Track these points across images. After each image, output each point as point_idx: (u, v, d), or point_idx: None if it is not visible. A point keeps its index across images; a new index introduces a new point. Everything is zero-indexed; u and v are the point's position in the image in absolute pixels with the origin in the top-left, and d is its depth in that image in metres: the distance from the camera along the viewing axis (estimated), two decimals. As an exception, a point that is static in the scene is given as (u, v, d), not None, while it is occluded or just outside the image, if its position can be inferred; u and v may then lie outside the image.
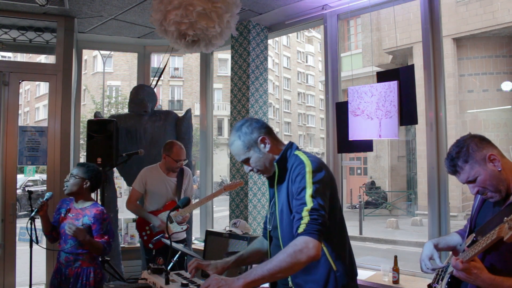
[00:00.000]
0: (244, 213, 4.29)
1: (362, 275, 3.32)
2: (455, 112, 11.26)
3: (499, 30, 10.73)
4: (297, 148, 1.86)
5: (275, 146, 1.86)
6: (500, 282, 1.47)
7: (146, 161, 4.18)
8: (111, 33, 4.82)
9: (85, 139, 4.12)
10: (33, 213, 2.85)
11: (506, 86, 11.05)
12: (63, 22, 4.28)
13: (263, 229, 2.12)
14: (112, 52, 23.39)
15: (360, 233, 10.64)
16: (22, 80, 4.31)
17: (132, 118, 4.51)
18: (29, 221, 2.93)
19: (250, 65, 4.37)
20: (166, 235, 2.81)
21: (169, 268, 2.66)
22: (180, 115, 4.74)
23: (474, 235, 1.61)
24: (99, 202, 3.84)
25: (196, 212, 4.05)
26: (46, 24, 4.40)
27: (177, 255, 2.98)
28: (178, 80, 30.24)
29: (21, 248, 3.93)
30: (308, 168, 1.70)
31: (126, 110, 5.25)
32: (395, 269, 3.13)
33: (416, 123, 3.17)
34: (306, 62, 41.42)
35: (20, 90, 4.47)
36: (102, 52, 22.01)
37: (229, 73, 5.80)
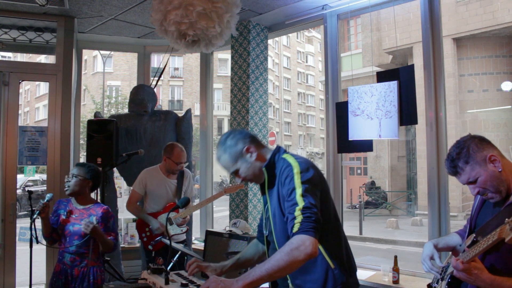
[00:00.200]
0: (244, 213, 4.29)
1: (362, 275, 3.32)
2: (455, 112, 11.25)
3: (499, 30, 10.73)
4: (285, 152, 1.88)
5: (261, 153, 1.89)
6: (500, 282, 1.47)
7: (146, 161, 4.18)
8: (111, 33, 4.82)
9: (85, 139, 4.11)
10: (35, 215, 2.85)
11: (506, 86, 11.05)
12: (63, 22, 4.28)
13: (257, 233, 2.14)
14: (112, 52, 23.39)
15: (360, 233, 10.64)
16: (22, 80, 4.31)
17: (132, 118, 4.51)
18: (30, 221, 2.93)
19: (250, 65, 4.37)
20: (166, 237, 2.81)
21: (169, 268, 2.66)
22: (180, 115, 4.74)
23: (474, 235, 1.60)
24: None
25: (196, 212, 4.05)
26: (46, 24, 4.40)
27: (177, 255, 2.98)
28: (178, 80, 30.25)
29: (21, 248, 3.93)
30: (296, 170, 1.72)
31: (126, 110, 5.25)
32: (395, 269, 3.12)
33: (416, 123, 3.17)
34: (306, 62, 41.42)
35: (20, 90, 4.47)
36: (102, 52, 22.02)
37: (229, 73, 5.80)
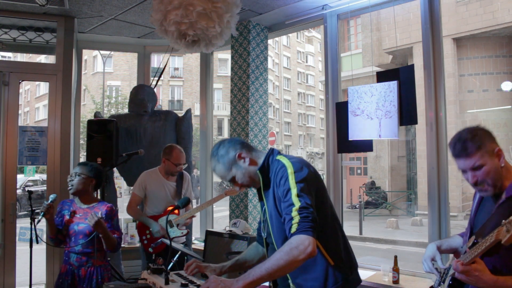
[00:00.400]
0: (244, 213, 4.29)
1: (362, 275, 3.29)
2: (455, 112, 11.26)
3: (499, 30, 10.73)
4: (279, 153, 1.89)
5: (254, 157, 1.91)
6: (503, 281, 1.46)
7: (146, 161, 4.18)
8: (111, 33, 4.82)
9: (85, 139, 4.11)
10: (40, 216, 2.84)
11: (506, 86, 11.05)
12: (63, 22, 4.28)
13: (257, 236, 2.15)
14: (112, 52, 23.39)
15: (360, 233, 10.64)
16: (22, 80, 4.31)
17: (132, 118, 4.51)
18: (30, 221, 2.93)
19: (250, 65, 4.37)
20: (167, 237, 2.81)
21: (169, 268, 2.66)
22: (180, 115, 4.74)
23: (475, 237, 1.61)
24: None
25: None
26: (46, 24, 4.40)
27: (177, 255, 2.98)
28: (178, 80, 30.25)
29: (21, 248, 3.93)
30: (290, 170, 1.73)
31: (126, 110, 5.25)
32: (395, 269, 3.12)
33: (416, 123, 3.17)
34: (306, 62, 41.43)
35: (20, 90, 4.47)
36: (102, 52, 22.03)
37: (229, 73, 5.80)
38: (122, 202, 6.50)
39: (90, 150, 4.01)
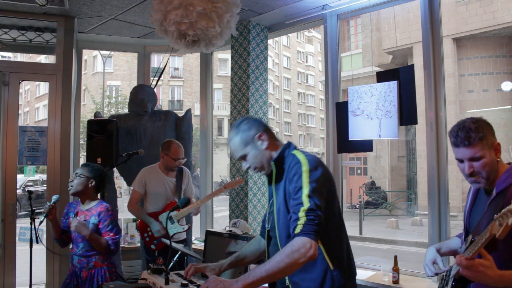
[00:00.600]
0: (244, 213, 4.29)
1: (362, 275, 3.32)
2: (455, 112, 11.25)
3: (499, 30, 10.73)
4: (295, 148, 1.87)
5: (273, 144, 1.88)
6: (509, 276, 1.43)
7: (146, 161, 4.18)
8: (111, 33, 4.82)
9: (85, 139, 4.11)
10: (42, 218, 2.85)
11: (506, 86, 11.05)
12: (63, 22, 4.28)
13: (261, 228, 2.13)
14: (112, 52, 23.39)
15: (360, 233, 10.64)
16: (22, 80, 4.31)
17: (132, 118, 4.51)
18: (30, 221, 2.94)
19: (250, 65, 4.37)
20: (168, 236, 2.81)
21: (169, 268, 2.66)
22: (180, 115, 4.74)
23: (472, 236, 1.61)
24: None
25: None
26: (46, 24, 4.40)
27: (177, 255, 2.98)
28: (178, 80, 30.25)
29: (21, 248, 3.93)
30: (305, 167, 1.70)
31: (126, 110, 5.25)
32: (395, 269, 3.12)
33: (416, 123, 3.17)
34: (306, 62, 41.43)
35: (20, 90, 4.47)
36: (102, 52, 22.03)
37: (229, 73, 5.80)
38: (122, 202, 6.50)
39: (90, 150, 4.01)
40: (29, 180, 12.77)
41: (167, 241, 2.72)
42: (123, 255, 4.48)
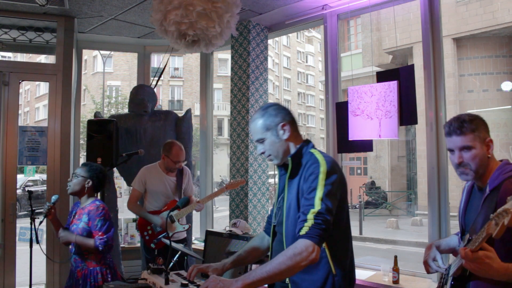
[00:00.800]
0: (244, 213, 4.29)
1: (362, 275, 3.32)
2: (455, 112, 11.23)
3: (499, 30, 10.73)
4: (313, 146, 1.84)
5: (294, 136, 1.84)
6: None
7: (146, 161, 4.18)
8: (111, 33, 4.82)
9: (85, 139, 4.11)
10: (42, 218, 2.85)
11: (506, 86, 11.05)
12: (63, 22, 4.28)
13: (266, 224, 2.10)
14: (112, 52, 23.39)
15: (360, 233, 10.64)
16: (22, 80, 4.31)
17: (132, 118, 4.51)
18: (30, 221, 2.94)
19: (250, 65, 4.37)
20: (167, 235, 2.81)
21: (169, 268, 2.66)
22: (180, 115, 4.74)
23: (469, 235, 1.61)
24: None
25: (196, 212, 4.05)
26: (46, 24, 4.40)
27: (177, 255, 2.98)
28: (178, 80, 30.24)
29: (21, 248, 3.93)
30: (323, 168, 1.68)
31: (126, 110, 5.25)
32: (395, 269, 3.12)
33: (416, 123, 3.17)
34: (306, 62, 41.42)
35: (20, 90, 4.47)
36: (102, 52, 22.02)
37: (229, 73, 5.80)
38: (122, 202, 6.49)
39: (90, 150, 4.01)
40: (29, 180, 12.78)
41: (167, 241, 2.72)
42: (123, 255, 4.48)
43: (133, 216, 4.92)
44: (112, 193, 4.41)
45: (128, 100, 4.69)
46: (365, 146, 3.47)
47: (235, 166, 4.43)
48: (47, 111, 4.31)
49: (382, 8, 3.70)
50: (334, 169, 1.70)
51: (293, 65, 39.22)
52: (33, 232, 2.96)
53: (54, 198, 2.95)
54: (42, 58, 14.99)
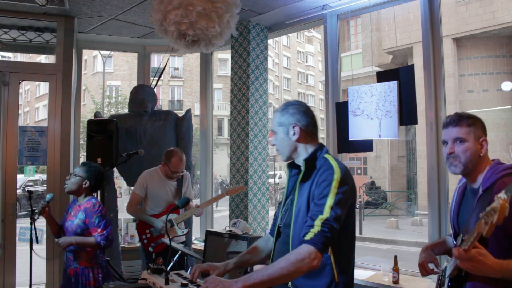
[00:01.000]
0: (244, 213, 4.29)
1: (362, 275, 3.32)
2: (455, 112, 11.23)
3: (499, 30, 10.73)
4: (327, 151, 1.84)
5: (306, 140, 1.84)
6: (508, 264, 1.43)
7: (146, 161, 4.18)
8: (111, 33, 4.82)
9: (85, 139, 4.11)
10: (36, 216, 2.86)
11: (506, 86, 11.05)
12: (63, 22, 4.28)
13: (271, 226, 2.08)
14: (112, 52, 23.39)
15: (360, 233, 10.64)
16: (22, 80, 4.31)
17: (132, 118, 4.51)
18: (30, 221, 2.95)
19: (250, 65, 4.37)
20: (166, 237, 2.81)
21: (169, 268, 2.66)
22: (180, 115, 4.74)
23: (462, 235, 1.61)
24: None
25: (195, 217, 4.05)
26: (46, 24, 4.40)
27: (177, 255, 2.98)
28: (178, 80, 30.24)
29: (21, 248, 3.93)
30: (336, 176, 1.68)
31: (126, 110, 5.25)
32: (395, 269, 3.12)
33: (416, 123, 3.17)
34: (306, 62, 41.42)
35: (20, 90, 4.47)
36: (102, 52, 22.02)
37: (229, 73, 5.80)
38: (122, 202, 6.49)
39: (90, 150, 4.01)
40: (29, 180, 12.78)
41: (167, 241, 2.72)
42: (123, 255, 4.48)
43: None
44: (112, 193, 4.41)
45: (128, 100, 4.69)
46: (365, 146, 3.47)
47: (235, 166, 4.43)
48: (47, 111, 4.31)
49: (382, 8, 3.70)
50: (347, 178, 1.71)
51: (293, 65, 39.23)
52: (33, 232, 2.97)
53: (48, 196, 2.97)
54: (42, 58, 15.00)
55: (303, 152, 1.84)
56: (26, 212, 10.70)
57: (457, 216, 1.79)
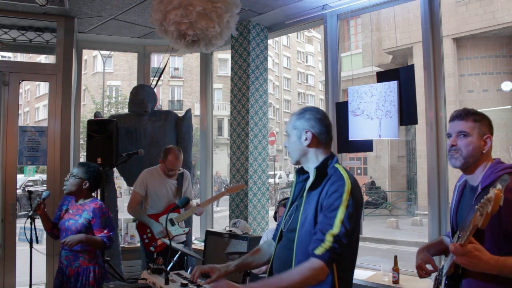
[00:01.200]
0: (244, 213, 4.29)
1: (362, 275, 3.32)
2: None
3: (499, 30, 10.72)
4: (337, 161, 1.84)
5: (317, 147, 1.83)
6: (504, 260, 1.43)
7: (146, 161, 4.18)
8: (111, 33, 4.82)
9: (85, 139, 4.12)
10: (31, 213, 2.87)
11: (506, 86, 11.05)
12: (63, 22, 4.28)
13: (275, 231, 2.07)
14: (112, 52, 23.39)
15: (360, 233, 10.59)
16: (22, 80, 4.31)
17: (132, 118, 4.51)
18: (30, 221, 2.96)
19: (250, 65, 4.37)
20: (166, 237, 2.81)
21: (169, 268, 2.66)
22: (180, 115, 4.74)
23: (459, 232, 1.62)
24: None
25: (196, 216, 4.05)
26: (46, 24, 4.40)
27: (177, 255, 2.98)
28: (178, 80, 30.24)
29: (21, 248, 3.93)
30: (347, 187, 1.68)
31: (126, 110, 5.25)
32: (395, 269, 3.12)
33: (416, 123, 3.17)
34: (306, 62, 41.42)
35: (20, 90, 4.47)
36: (102, 52, 22.01)
37: (229, 73, 5.80)
38: (122, 202, 6.50)
39: (90, 150, 4.01)
40: (29, 180, 12.77)
41: (167, 241, 2.72)
42: (123, 255, 4.48)
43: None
44: (112, 193, 4.41)
45: (128, 100, 4.69)
46: (365, 146, 3.47)
47: (235, 166, 4.43)
48: (47, 111, 4.31)
49: (382, 8, 3.70)
50: (356, 189, 1.71)
51: (293, 65, 39.23)
52: (33, 232, 2.97)
53: (45, 194, 2.99)
54: (42, 58, 14.99)
55: (313, 158, 1.84)
56: (26, 212, 10.69)
57: (455, 214, 1.79)
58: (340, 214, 1.64)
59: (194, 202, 4.04)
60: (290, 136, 1.87)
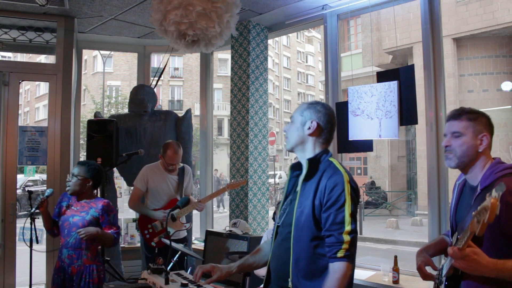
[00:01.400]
0: (244, 213, 4.29)
1: (362, 275, 3.32)
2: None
3: (499, 30, 10.72)
4: (331, 156, 1.84)
5: (317, 139, 1.84)
6: (502, 264, 1.42)
7: (146, 161, 4.18)
8: (111, 33, 4.82)
9: (85, 139, 4.12)
10: (33, 209, 2.87)
11: (506, 86, 11.05)
12: (63, 22, 4.28)
13: (273, 229, 2.06)
14: (112, 52, 23.39)
15: (360, 233, 10.64)
16: (22, 80, 4.31)
17: (132, 118, 4.51)
18: (30, 220, 2.96)
19: (250, 65, 4.37)
20: (168, 234, 2.81)
21: (169, 268, 2.66)
22: (180, 115, 4.74)
23: (457, 233, 1.61)
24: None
25: (196, 212, 4.05)
26: (46, 24, 4.40)
27: (177, 255, 2.98)
28: (178, 80, 30.24)
29: (21, 248, 3.93)
30: (346, 178, 1.70)
31: (126, 110, 5.25)
32: (395, 269, 3.12)
33: (416, 123, 3.17)
34: (306, 62, 41.42)
35: (20, 90, 4.47)
36: (102, 52, 22.02)
37: (229, 73, 5.80)
38: (122, 202, 6.49)
39: (90, 150, 4.01)
40: (29, 180, 12.76)
41: (167, 241, 2.72)
42: (123, 255, 4.48)
43: (133, 216, 4.93)
44: (112, 193, 4.41)
45: (128, 100, 4.69)
46: (365, 146, 3.47)
47: (235, 166, 4.43)
48: (47, 111, 4.31)
49: (382, 8, 3.70)
50: (354, 182, 1.73)
51: (293, 65, 39.22)
52: (33, 232, 2.97)
53: (48, 191, 3.01)
54: (42, 58, 14.99)
55: (310, 149, 1.84)
56: (26, 212, 10.69)
57: (455, 213, 1.79)
58: (348, 209, 1.66)
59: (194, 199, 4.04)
60: (293, 122, 1.87)
